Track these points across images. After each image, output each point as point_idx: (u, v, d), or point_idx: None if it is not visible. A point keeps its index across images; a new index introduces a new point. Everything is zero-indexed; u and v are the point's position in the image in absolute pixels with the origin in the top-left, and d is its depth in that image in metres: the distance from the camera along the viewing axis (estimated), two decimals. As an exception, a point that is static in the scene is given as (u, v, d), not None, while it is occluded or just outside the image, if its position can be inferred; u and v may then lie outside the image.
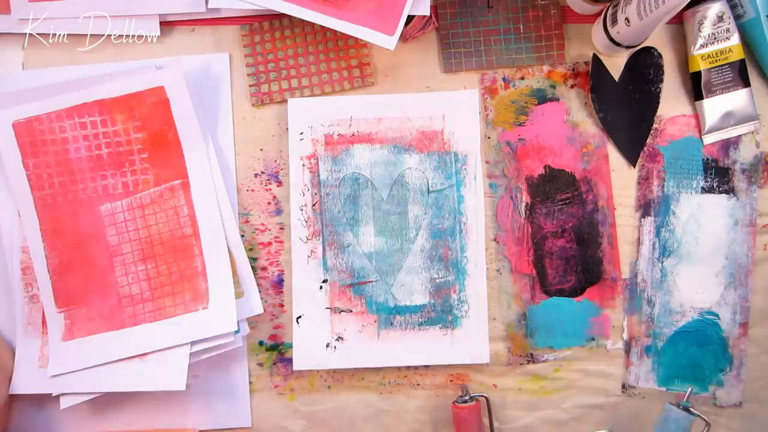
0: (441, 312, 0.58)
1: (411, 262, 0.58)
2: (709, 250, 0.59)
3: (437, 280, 0.58)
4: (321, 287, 0.58)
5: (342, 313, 0.58)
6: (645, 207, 0.60)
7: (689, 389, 0.57)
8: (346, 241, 0.59)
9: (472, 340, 0.57)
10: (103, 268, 0.57)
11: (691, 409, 0.55)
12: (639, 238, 0.59)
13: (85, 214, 0.58)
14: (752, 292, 0.59)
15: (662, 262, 0.59)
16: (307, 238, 0.59)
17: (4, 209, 0.58)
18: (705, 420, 0.55)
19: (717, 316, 0.59)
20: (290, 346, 0.59)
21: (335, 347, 0.57)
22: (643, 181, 0.60)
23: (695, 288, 0.59)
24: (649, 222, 0.59)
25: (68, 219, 0.58)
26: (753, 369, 0.59)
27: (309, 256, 0.59)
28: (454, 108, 0.59)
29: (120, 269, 0.57)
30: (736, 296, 0.59)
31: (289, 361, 0.59)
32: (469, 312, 0.58)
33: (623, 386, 0.59)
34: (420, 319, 0.58)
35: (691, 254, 0.59)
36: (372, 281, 0.58)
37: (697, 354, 0.59)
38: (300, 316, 0.58)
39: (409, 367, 0.59)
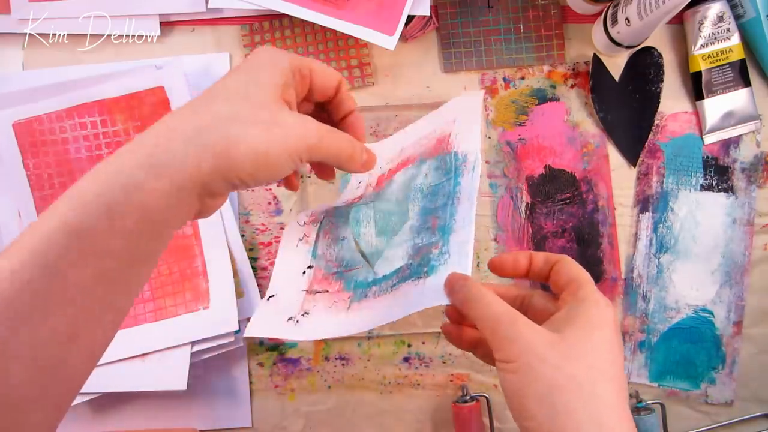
0: (418, 266, 0.48)
1: (397, 238, 0.54)
2: (706, 247, 0.59)
3: (419, 244, 0.51)
4: (304, 272, 0.57)
5: (317, 294, 0.53)
6: (643, 203, 0.60)
7: (636, 390, 0.58)
8: (342, 234, 0.58)
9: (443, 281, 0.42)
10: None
11: (647, 404, 0.57)
12: (636, 234, 0.60)
13: (86, 215, 0.58)
14: (748, 292, 0.59)
15: (659, 258, 0.59)
16: (305, 223, 0.58)
17: (4, 209, 0.58)
18: (659, 403, 0.58)
19: (711, 313, 0.59)
20: (291, 346, 0.59)
21: (297, 321, 0.50)
22: (642, 176, 0.60)
23: (691, 285, 0.59)
24: (646, 218, 0.60)
25: (68, 219, 0.58)
26: (750, 368, 0.59)
27: (300, 239, 0.58)
28: (462, 111, 0.59)
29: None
30: (731, 295, 0.59)
31: (290, 361, 0.59)
32: (449, 260, 0.45)
33: None
34: (395, 281, 0.49)
35: (687, 251, 0.59)
36: (359, 268, 0.56)
37: (690, 351, 0.59)
38: (272, 296, 0.52)
39: (409, 367, 0.59)
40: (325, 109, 0.42)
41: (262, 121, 0.33)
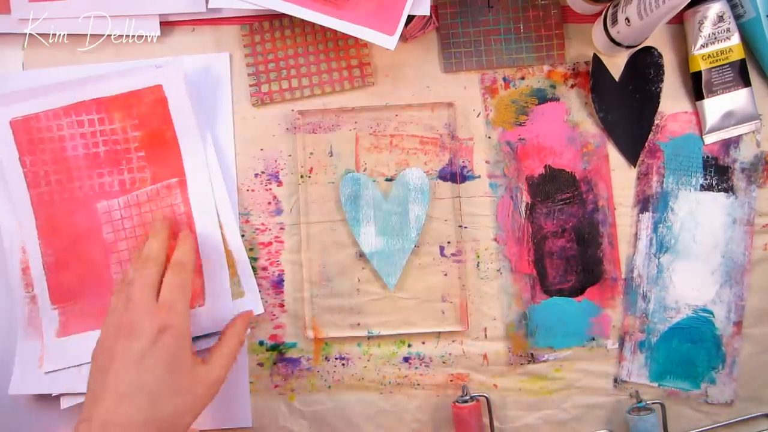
0: None
1: None
2: (706, 247, 0.59)
3: None
4: None
5: None
6: (643, 203, 0.60)
7: (636, 390, 0.58)
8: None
9: None
10: (98, 265, 0.57)
11: (647, 404, 0.56)
12: (636, 234, 0.59)
13: (82, 212, 0.58)
14: (748, 292, 0.59)
15: (659, 258, 0.59)
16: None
17: (5, 209, 0.58)
18: (660, 403, 0.57)
19: (712, 313, 0.59)
20: (291, 346, 0.59)
21: None
22: (642, 176, 0.60)
23: (691, 285, 0.59)
24: (646, 218, 0.60)
25: (64, 217, 0.58)
26: (750, 368, 0.59)
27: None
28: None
29: (116, 266, 0.57)
30: (731, 294, 0.59)
31: (290, 361, 0.59)
32: None
33: (615, 380, 0.59)
34: None
35: (687, 251, 0.59)
36: None
37: (690, 351, 0.59)
38: None
39: (409, 367, 0.59)
40: None
41: (184, 387, 0.47)
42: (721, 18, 0.57)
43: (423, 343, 0.60)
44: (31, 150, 0.57)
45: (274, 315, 0.60)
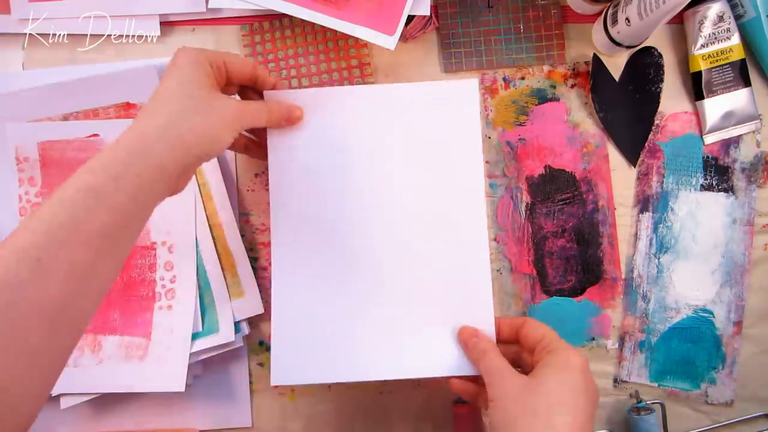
0: None
1: None
2: (706, 247, 0.59)
3: None
4: None
5: None
6: (643, 202, 0.60)
7: (636, 390, 0.58)
8: None
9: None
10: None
11: (647, 404, 0.57)
12: (636, 234, 0.60)
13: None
14: (748, 292, 0.59)
15: (659, 258, 0.59)
16: None
17: (4, 209, 0.58)
18: (660, 403, 0.58)
19: (711, 313, 0.59)
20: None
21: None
22: (643, 176, 0.60)
23: (691, 285, 0.59)
24: (646, 218, 0.60)
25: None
26: (750, 368, 0.59)
27: None
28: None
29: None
30: (731, 295, 0.59)
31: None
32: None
33: (615, 380, 0.59)
34: None
35: (687, 251, 0.59)
36: None
37: (690, 351, 0.59)
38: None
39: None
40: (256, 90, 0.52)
41: (201, 110, 0.43)
42: (721, 18, 0.57)
43: (423, 343, 0.59)
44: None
45: (274, 315, 0.59)
